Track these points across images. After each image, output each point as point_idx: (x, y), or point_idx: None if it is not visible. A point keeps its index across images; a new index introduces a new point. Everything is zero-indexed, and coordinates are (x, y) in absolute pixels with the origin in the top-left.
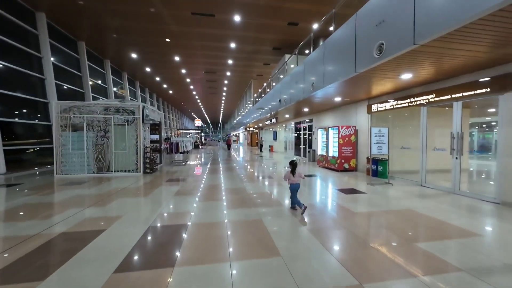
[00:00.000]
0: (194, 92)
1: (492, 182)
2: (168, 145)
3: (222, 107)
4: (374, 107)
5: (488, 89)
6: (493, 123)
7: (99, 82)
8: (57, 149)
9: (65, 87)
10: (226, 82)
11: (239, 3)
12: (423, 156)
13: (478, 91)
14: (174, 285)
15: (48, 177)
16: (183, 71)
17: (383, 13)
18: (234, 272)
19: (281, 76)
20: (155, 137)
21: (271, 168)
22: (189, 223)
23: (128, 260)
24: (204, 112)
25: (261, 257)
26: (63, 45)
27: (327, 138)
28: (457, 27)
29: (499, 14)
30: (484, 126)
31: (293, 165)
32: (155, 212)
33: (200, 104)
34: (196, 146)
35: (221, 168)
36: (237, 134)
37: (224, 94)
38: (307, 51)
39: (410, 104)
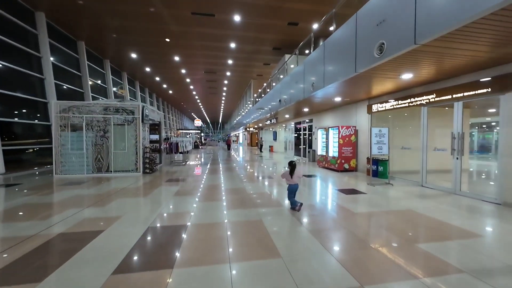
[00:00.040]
0: (194, 92)
1: (492, 183)
2: (167, 145)
3: (222, 107)
4: (375, 107)
5: (489, 89)
6: (493, 124)
7: (99, 82)
8: (56, 149)
9: (64, 87)
10: (226, 82)
11: (239, 3)
12: (424, 156)
13: (479, 91)
14: (173, 286)
15: (47, 177)
16: (183, 71)
17: (383, 12)
18: (234, 273)
19: (281, 76)
20: (155, 137)
21: (271, 168)
22: (188, 224)
23: (127, 261)
24: (204, 112)
25: (261, 258)
26: (63, 44)
27: (327, 138)
28: (458, 27)
29: (500, 13)
30: (484, 126)
31: (292, 166)
32: (155, 212)
33: (200, 104)
34: (196, 146)
35: (220, 168)
36: (237, 134)
37: (224, 94)
38: (307, 51)
39: (410, 104)
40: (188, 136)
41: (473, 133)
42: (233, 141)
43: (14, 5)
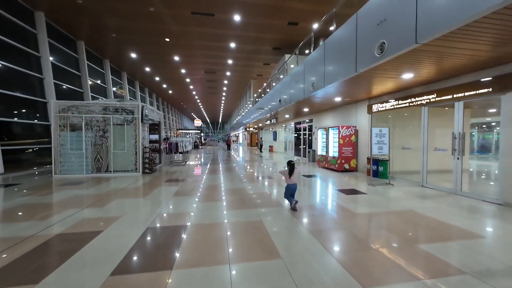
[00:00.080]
0: (194, 92)
1: (492, 183)
2: (167, 145)
3: (222, 107)
4: (375, 107)
5: (490, 89)
6: (493, 124)
7: (99, 82)
8: (56, 149)
9: (64, 86)
10: (226, 82)
11: (239, 2)
12: (424, 157)
13: (480, 91)
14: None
15: (46, 177)
16: (183, 71)
17: (384, 12)
18: (233, 274)
19: (281, 76)
20: (155, 137)
21: (270, 169)
22: (188, 224)
23: (126, 262)
24: (204, 112)
25: (261, 259)
26: (62, 44)
27: (327, 138)
28: (459, 26)
29: (502, 11)
30: (484, 126)
31: (290, 166)
32: (154, 213)
33: (200, 104)
34: (195, 146)
35: (220, 168)
36: (237, 134)
37: (224, 94)
38: (307, 51)
39: (411, 104)
40: (188, 136)
41: (473, 133)
42: (233, 141)
43: (13, 4)
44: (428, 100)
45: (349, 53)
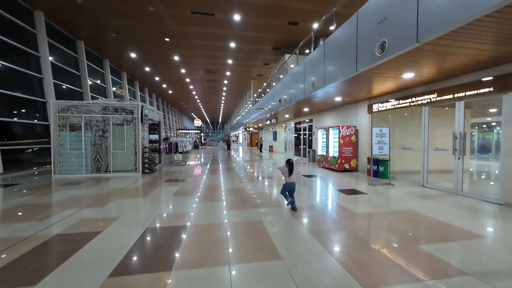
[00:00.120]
0: (194, 92)
1: (492, 183)
2: (167, 145)
3: (222, 107)
4: (375, 107)
5: (491, 89)
6: (493, 124)
7: (98, 81)
8: (55, 149)
9: (63, 86)
10: (226, 82)
11: (239, 2)
12: (425, 157)
13: (481, 91)
14: None
15: (46, 177)
16: (183, 71)
17: (385, 10)
18: (233, 275)
19: (281, 76)
20: (154, 137)
21: (270, 168)
22: (188, 224)
23: (125, 263)
24: (204, 112)
25: (261, 260)
26: (62, 44)
27: (327, 138)
28: (461, 25)
29: (504, 10)
30: (484, 126)
31: (289, 164)
32: (154, 213)
33: (199, 104)
34: (195, 146)
35: (220, 168)
36: (237, 134)
37: (224, 94)
38: (307, 51)
39: (411, 103)
40: (187, 136)
41: (473, 133)
42: (233, 141)
43: (13, 4)
44: (429, 100)
45: (350, 52)
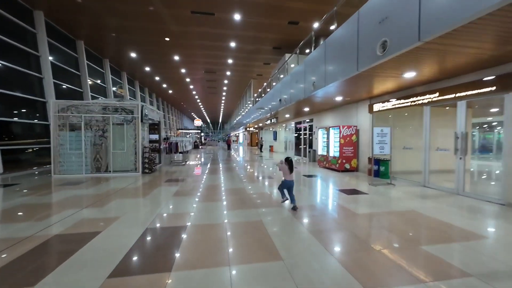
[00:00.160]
0: (194, 92)
1: (493, 183)
2: (167, 145)
3: (222, 107)
4: (376, 107)
5: (493, 88)
6: (494, 123)
7: (98, 81)
8: (55, 148)
9: (64, 86)
10: (226, 81)
11: (239, 1)
12: (426, 157)
13: (483, 90)
14: None
15: (45, 177)
16: (183, 70)
17: (386, 9)
18: (234, 276)
19: (281, 76)
20: (154, 137)
21: (271, 168)
22: (188, 224)
23: (124, 264)
24: (204, 112)
25: (261, 261)
26: (62, 44)
27: (328, 138)
28: (464, 23)
29: (507, 8)
30: (485, 126)
31: (289, 162)
32: (153, 213)
33: (200, 104)
34: (195, 146)
35: (220, 168)
36: (237, 134)
37: (224, 94)
38: (307, 51)
39: (413, 103)
40: (188, 136)
41: (474, 133)
42: (233, 141)
43: (12, 3)
44: (430, 100)
45: (350, 52)
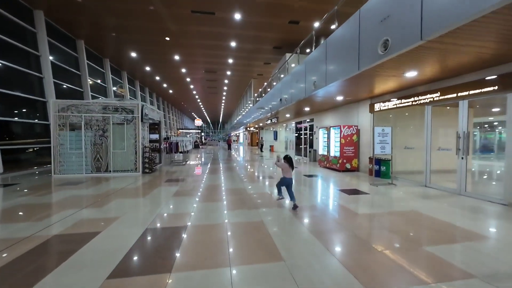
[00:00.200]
0: (194, 92)
1: (494, 183)
2: (167, 145)
3: (223, 106)
4: (377, 106)
5: (496, 87)
6: (495, 123)
7: (99, 81)
8: (55, 148)
9: (64, 86)
10: (226, 81)
11: (240, 0)
12: (427, 156)
13: (485, 89)
14: None
15: (45, 177)
16: (183, 70)
17: (388, 8)
18: (234, 277)
19: (282, 76)
20: (155, 136)
21: (271, 168)
22: (188, 224)
23: (124, 265)
24: (204, 112)
25: (262, 261)
26: (62, 43)
27: (328, 137)
28: (467, 22)
29: (510, 7)
30: (486, 126)
31: (289, 160)
32: (153, 213)
33: (200, 103)
34: (196, 146)
35: (221, 168)
36: (238, 134)
37: (224, 93)
38: (308, 50)
39: (414, 103)
40: (188, 135)
41: (475, 133)
42: (234, 140)
43: (12, 3)
44: (431, 99)
45: (352, 51)
